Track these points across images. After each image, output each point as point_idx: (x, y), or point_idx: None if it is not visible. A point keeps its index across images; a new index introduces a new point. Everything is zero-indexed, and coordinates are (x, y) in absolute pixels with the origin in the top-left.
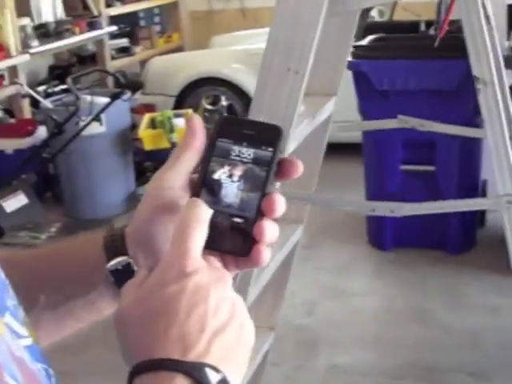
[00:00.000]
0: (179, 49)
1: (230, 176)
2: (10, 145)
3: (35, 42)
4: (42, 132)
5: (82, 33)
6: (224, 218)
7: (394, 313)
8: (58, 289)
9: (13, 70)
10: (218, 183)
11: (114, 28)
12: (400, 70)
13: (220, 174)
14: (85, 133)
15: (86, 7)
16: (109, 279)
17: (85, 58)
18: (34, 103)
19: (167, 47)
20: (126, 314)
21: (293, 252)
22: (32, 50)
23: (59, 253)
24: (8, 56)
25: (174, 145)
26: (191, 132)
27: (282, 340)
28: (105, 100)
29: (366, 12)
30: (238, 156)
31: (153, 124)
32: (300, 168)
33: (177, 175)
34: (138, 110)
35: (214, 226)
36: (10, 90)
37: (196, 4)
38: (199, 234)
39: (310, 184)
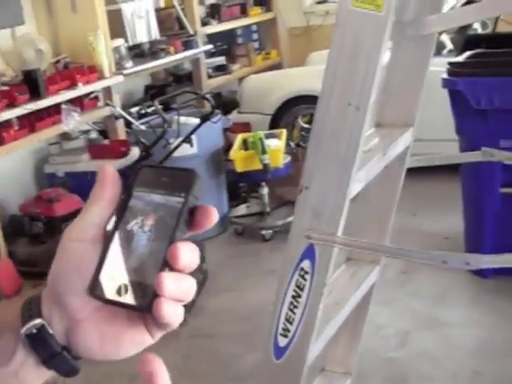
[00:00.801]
0: (277, 66)
1: (142, 226)
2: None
3: (129, 63)
4: (135, 153)
5: (177, 52)
6: (131, 272)
7: (493, 346)
8: None
9: (107, 91)
10: (131, 234)
11: (209, 46)
12: (498, 87)
13: (132, 224)
14: (176, 154)
15: (182, 27)
16: (26, 345)
17: (181, 77)
18: (129, 124)
19: (265, 64)
20: None
21: (369, 293)
22: (126, 71)
23: None
24: (102, 77)
25: (265, 166)
26: (101, 183)
27: (370, 375)
28: (195, 121)
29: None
30: (152, 205)
31: (245, 145)
32: (213, 218)
33: (85, 227)
34: (233, 129)
35: (118, 280)
36: (105, 111)
37: (294, 20)
38: None
39: (382, 231)
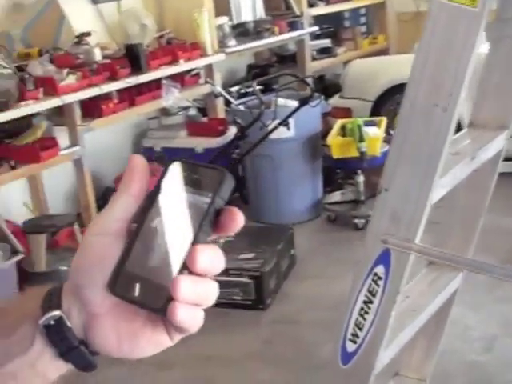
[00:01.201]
0: (384, 51)
1: (166, 224)
2: (201, 143)
3: (232, 42)
4: (232, 132)
5: (282, 33)
6: (150, 271)
7: None
8: None
9: (208, 69)
10: (154, 232)
11: (315, 28)
12: None
13: (157, 221)
14: (272, 136)
15: (288, 7)
16: (44, 337)
17: (285, 58)
18: (228, 103)
19: (371, 49)
20: None
21: (450, 300)
22: (228, 50)
23: None
24: (204, 55)
25: (362, 154)
26: (130, 174)
27: (452, 377)
28: (294, 104)
29: None
30: (178, 203)
31: (343, 131)
32: (239, 221)
33: (109, 221)
34: (333, 114)
35: (137, 276)
36: (205, 89)
37: (404, 5)
38: None
39: (468, 237)
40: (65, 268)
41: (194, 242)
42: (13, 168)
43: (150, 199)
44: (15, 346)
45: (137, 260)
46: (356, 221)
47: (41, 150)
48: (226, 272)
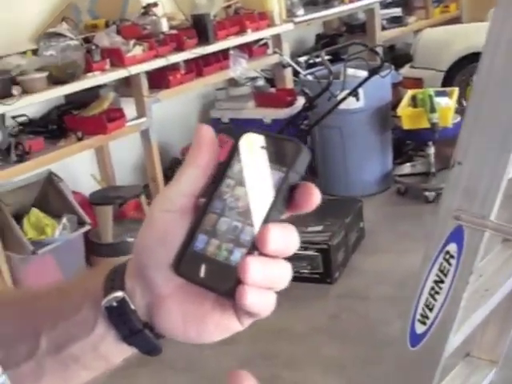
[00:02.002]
0: (456, 20)
1: (236, 200)
2: (269, 114)
3: (301, 11)
4: (300, 103)
5: (351, 1)
6: (218, 250)
7: None
8: (57, 328)
9: (276, 39)
10: (223, 208)
11: None
12: None
13: (227, 197)
14: (341, 107)
15: None
16: (106, 319)
17: (354, 28)
18: (296, 73)
19: (443, 18)
20: None
21: None
22: (297, 19)
23: (60, 288)
24: (272, 24)
25: (433, 125)
26: (197, 146)
27: None
28: (363, 74)
29: None
30: (250, 177)
31: (414, 101)
32: (314, 199)
33: (175, 196)
34: (404, 84)
35: (203, 256)
36: (273, 59)
37: None
38: None
39: None
40: (131, 239)
41: (266, 221)
42: (80, 139)
43: (219, 173)
44: (77, 328)
45: (203, 238)
46: (426, 193)
47: (108, 122)
48: None
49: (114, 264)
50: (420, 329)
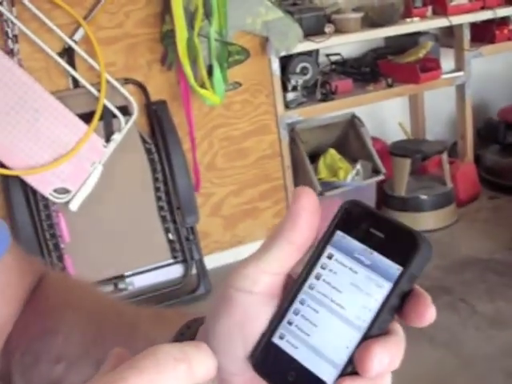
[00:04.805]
0: None
1: (332, 294)
2: None
3: None
4: None
5: None
6: (303, 354)
7: None
8: None
9: None
10: (315, 300)
11: None
12: None
13: (321, 287)
14: None
15: None
16: None
17: None
18: None
19: None
20: None
21: None
22: None
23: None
24: None
25: None
26: (294, 217)
27: None
28: None
29: None
30: (352, 267)
31: None
32: (428, 313)
33: (259, 275)
34: None
35: (288, 358)
36: None
37: None
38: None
39: None
40: (425, 197)
41: (368, 333)
42: (389, 86)
43: (316, 254)
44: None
45: (289, 334)
46: None
47: (421, 71)
48: None
49: (187, 316)
50: None
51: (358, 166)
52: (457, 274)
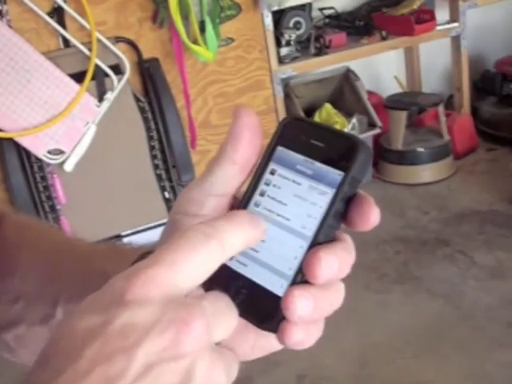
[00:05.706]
0: None
1: (279, 209)
2: None
3: None
4: None
5: None
6: (254, 271)
7: None
8: (72, 302)
9: None
10: (263, 217)
11: None
12: None
13: (267, 204)
14: None
15: None
16: None
17: None
18: None
19: None
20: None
21: None
22: None
23: (114, 249)
24: None
25: None
26: (236, 136)
27: None
28: None
29: None
30: (296, 179)
31: None
32: (373, 217)
33: (203, 198)
34: None
35: (239, 277)
36: None
37: None
38: (198, 263)
39: None
40: (421, 150)
41: (315, 241)
42: (384, 39)
43: (260, 171)
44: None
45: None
46: None
47: (416, 23)
48: None
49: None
50: None
51: (354, 120)
52: (455, 226)
